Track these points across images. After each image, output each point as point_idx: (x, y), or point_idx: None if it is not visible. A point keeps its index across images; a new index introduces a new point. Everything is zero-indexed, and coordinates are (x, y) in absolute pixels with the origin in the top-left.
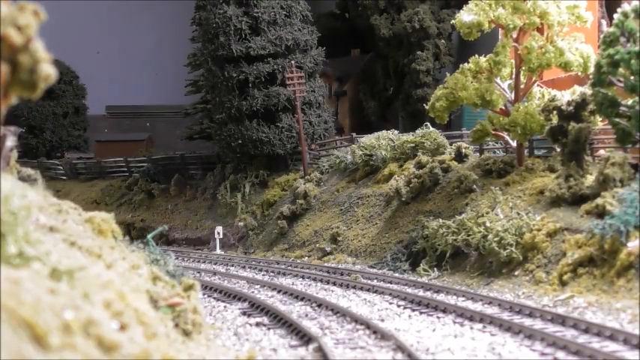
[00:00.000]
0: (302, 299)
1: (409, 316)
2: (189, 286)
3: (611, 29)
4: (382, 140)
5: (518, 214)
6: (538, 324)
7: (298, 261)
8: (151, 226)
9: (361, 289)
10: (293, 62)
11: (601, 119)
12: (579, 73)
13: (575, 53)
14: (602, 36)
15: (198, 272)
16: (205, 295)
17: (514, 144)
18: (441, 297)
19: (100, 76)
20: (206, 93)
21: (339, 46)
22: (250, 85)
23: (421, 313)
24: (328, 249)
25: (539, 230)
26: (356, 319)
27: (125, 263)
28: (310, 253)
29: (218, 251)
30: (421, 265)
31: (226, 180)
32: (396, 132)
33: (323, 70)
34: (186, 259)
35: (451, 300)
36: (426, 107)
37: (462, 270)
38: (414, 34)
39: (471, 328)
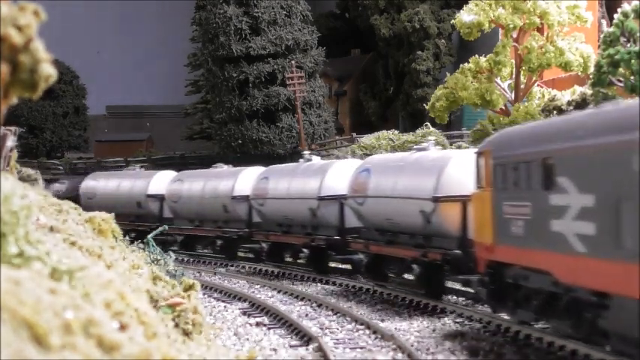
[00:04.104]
0: (302, 299)
1: (409, 315)
2: (189, 286)
3: (611, 29)
4: (382, 140)
5: None
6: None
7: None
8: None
9: (360, 288)
10: (293, 62)
11: None
12: (579, 73)
13: (575, 53)
14: (602, 36)
15: (199, 272)
16: (205, 295)
17: None
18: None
19: (100, 76)
20: (206, 93)
21: (339, 46)
22: (250, 85)
23: (421, 313)
24: None
25: None
26: (356, 319)
27: (125, 263)
28: None
29: None
30: None
31: None
32: (396, 132)
33: (323, 70)
34: (186, 258)
35: (451, 300)
36: (426, 107)
37: None
38: (414, 34)
39: (471, 328)
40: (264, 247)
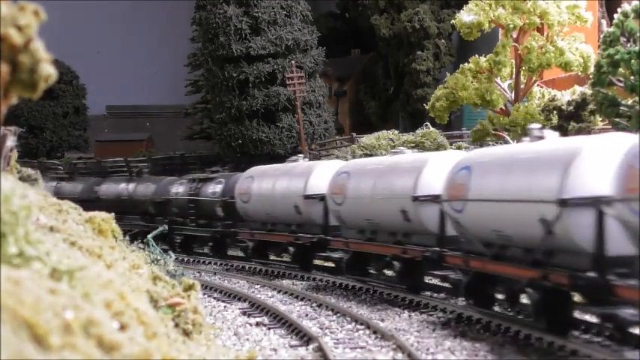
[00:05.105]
0: (302, 299)
1: (409, 315)
2: (189, 286)
3: (611, 29)
4: (382, 140)
5: None
6: None
7: None
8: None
9: (360, 289)
10: (293, 62)
11: (601, 119)
12: (579, 73)
13: (575, 53)
14: (602, 36)
15: (199, 272)
16: (205, 295)
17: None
18: (441, 296)
19: (100, 76)
20: (206, 93)
21: (339, 46)
22: (250, 85)
23: (421, 312)
24: None
25: None
26: (356, 319)
27: (125, 263)
28: None
29: None
30: None
31: None
32: (396, 132)
33: (323, 70)
34: (186, 258)
35: (451, 299)
36: (426, 107)
37: None
38: (414, 34)
39: (471, 328)
40: (462, 278)
